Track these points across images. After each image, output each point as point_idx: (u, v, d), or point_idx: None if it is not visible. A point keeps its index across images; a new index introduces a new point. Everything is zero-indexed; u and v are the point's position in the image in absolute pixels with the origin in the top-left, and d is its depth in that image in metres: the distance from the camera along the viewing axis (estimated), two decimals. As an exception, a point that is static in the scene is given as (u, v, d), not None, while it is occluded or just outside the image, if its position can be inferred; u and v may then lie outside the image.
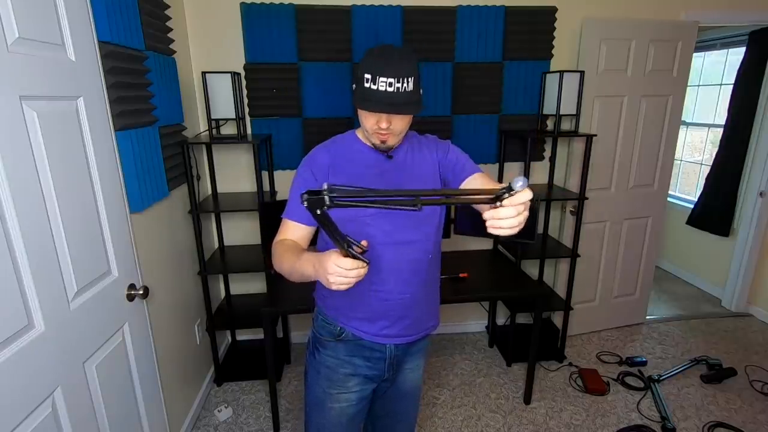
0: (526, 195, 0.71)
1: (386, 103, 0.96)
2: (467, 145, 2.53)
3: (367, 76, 0.96)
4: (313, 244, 1.20)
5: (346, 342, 1.17)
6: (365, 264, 0.87)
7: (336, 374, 1.18)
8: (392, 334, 1.16)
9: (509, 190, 0.70)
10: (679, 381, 2.42)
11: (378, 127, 1.01)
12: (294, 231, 1.12)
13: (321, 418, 1.22)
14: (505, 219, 0.71)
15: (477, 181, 1.09)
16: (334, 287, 0.86)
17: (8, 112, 0.92)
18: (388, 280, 1.11)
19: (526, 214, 0.73)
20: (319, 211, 0.71)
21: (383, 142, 1.05)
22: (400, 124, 1.02)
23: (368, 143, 1.12)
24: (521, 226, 0.74)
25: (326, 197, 0.69)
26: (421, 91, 1.03)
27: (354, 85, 1.04)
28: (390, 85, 0.95)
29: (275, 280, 2.13)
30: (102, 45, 1.35)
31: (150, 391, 1.53)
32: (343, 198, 0.71)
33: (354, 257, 0.86)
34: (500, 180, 2.61)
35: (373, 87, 0.96)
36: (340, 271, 0.85)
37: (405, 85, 0.96)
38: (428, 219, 1.12)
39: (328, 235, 0.82)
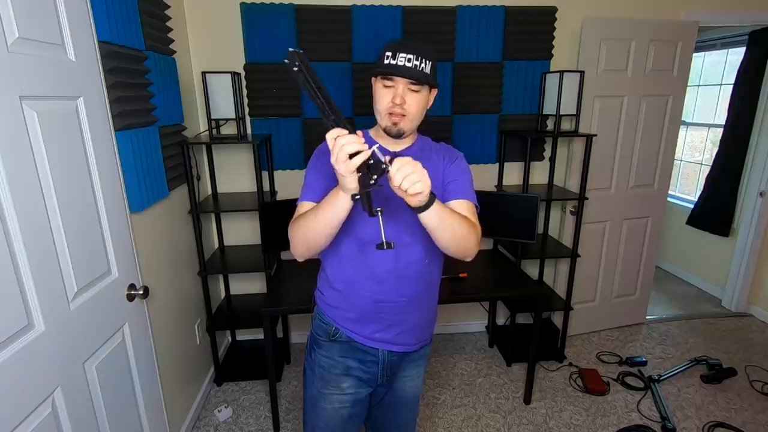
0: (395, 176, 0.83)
1: (405, 74, 0.99)
2: (467, 145, 2.55)
3: (388, 53, 1.01)
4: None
5: (341, 343, 1.17)
6: (350, 132, 0.83)
7: (329, 374, 1.18)
8: (385, 340, 1.15)
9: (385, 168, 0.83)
10: (679, 381, 2.42)
11: (393, 104, 1.02)
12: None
13: (315, 417, 1.22)
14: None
15: (458, 207, 1.08)
16: (340, 163, 0.82)
17: (8, 112, 0.92)
18: (382, 281, 1.10)
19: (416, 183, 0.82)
20: (295, 68, 0.75)
21: (395, 124, 1.04)
22: (414, 105, 1.03)
23: (380, 141, 1.11)
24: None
25: (297, 54, 0.75)
26: (436, 81, 1.06)
27: (373, 75, 1.07)
28: (409, 60, 0.99)
29: (275, 280, 2.13)
30: (102, 45, 1.35)
31: (150, 391, 1.53)
32: (307, 72, 0.77)
33: (339, 125, 0.83)
34: (500, 179, 2.61)
35: (393, 62, 1.00)
36: (332, 142, 0.82)
37: (423, 65, 1.00)
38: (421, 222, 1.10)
39: (312, 101, 0.81)
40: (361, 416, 1.26)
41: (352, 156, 0.82)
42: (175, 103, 1.98)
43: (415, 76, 1.00)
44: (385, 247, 0.89)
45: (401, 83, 1.01)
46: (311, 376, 1.22)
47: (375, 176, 0.85)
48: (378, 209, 0.87)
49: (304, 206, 1.10)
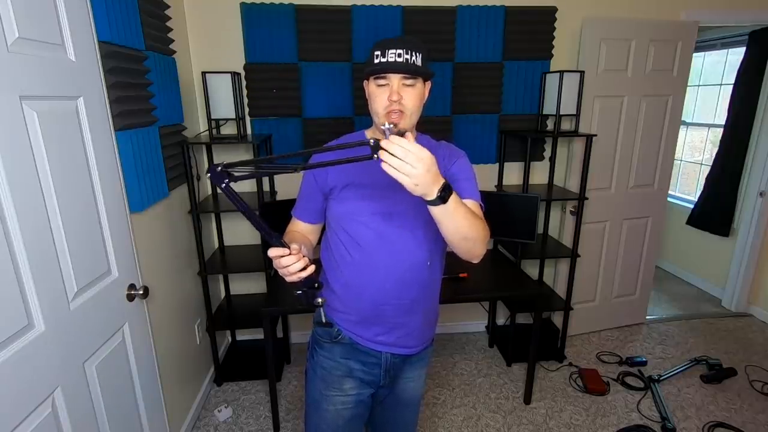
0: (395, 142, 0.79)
1: (398, 69, 0.99)
2: (467, 145, 2.54)
3: (377, 52, 1.01)
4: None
5: (343, 344, 1.16)
6: (287, 250, 0.88)
7: (331, 376, 1.18)
8: (388, 342, 1.14)
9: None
10: (679, 381, 2.42)
11: (389, 102, 1.01)
12: (297, 226, 1.21)
13: (318, 419, 1.22)
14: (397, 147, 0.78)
15: None
16: (287, 277, 0.91)
17: (8, 112, 0.92)
18: (383, 285, 1.09)
19: (406, 166, 0.79)
20: (223, 185, 0.78)
21: (395, 124, 1.02)
22: (411, 100, 1.02)
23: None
24: (398, 172, 0.80)
25: (221, 170, 0.77)
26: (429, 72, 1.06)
27: (364, 77, 1.08)
28: (399, 56, 0.99)
29: (275, 280, 2.13)
30: (102, 45, 1.35)
31: (150, 391, 1.53)
32: (239, 171, 0.80)
33: (273, 243, 0.88)
34: (500, 179, 2.61)
35: (383, 60, 0.99)
36: (275, 261, 0.89)
37: (414, 58, 1.00)
38: (422, 223, 1.09)
39: (242, 214, 0.85)
40: (364, 417, 1.26)
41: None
42: (175, 103, 1.98)
43: (408, 70, 0.99)
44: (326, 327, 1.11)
45: (395, 79, 1.00)
46: (313, 378, 1.21)
47: (316, 284, 0.95)
48: (320, 299, 0.99)
49: (293, 221, 1.21)
